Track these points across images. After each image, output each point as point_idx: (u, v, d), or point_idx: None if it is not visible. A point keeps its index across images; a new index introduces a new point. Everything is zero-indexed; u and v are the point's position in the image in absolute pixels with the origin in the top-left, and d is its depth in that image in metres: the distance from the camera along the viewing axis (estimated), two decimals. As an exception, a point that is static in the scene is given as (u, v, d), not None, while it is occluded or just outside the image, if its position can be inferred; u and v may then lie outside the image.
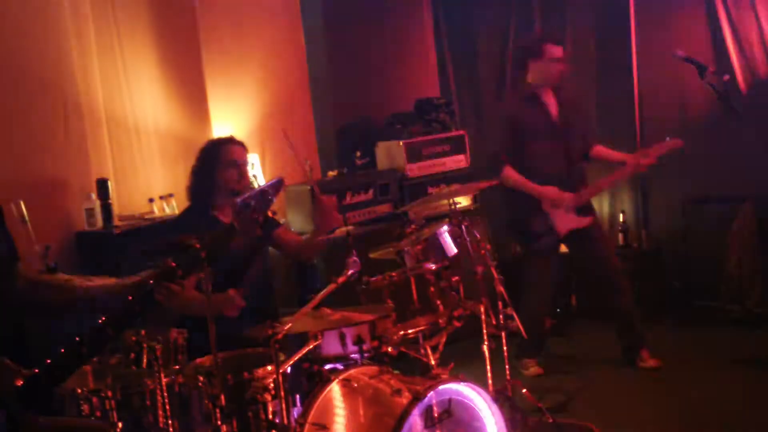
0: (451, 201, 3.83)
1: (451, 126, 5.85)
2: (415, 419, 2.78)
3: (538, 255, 4.63)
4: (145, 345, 2.68)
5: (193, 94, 5.34)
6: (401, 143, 5.50)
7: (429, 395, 2.81)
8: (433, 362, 3.31)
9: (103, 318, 2.21)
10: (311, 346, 2.91)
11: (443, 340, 3.42)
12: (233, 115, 5.54)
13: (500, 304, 3.80)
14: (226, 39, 5.49)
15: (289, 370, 2.92)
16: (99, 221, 4.45)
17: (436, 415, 2.85)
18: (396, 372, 3.05)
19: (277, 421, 2.84)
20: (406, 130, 5.62)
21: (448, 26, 6.48)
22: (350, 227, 3.69)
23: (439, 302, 3.31)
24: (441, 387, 2.87)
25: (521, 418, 3.65)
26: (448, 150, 5.69)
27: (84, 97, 4.63)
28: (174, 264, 2.35)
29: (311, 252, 3.95)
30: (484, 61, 6.42)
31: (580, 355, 4.87)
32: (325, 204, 3.60)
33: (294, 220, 5.25)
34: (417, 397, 2.77)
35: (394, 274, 3.34)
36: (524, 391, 3.89)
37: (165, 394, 2.69)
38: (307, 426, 2.86)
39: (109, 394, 2.79)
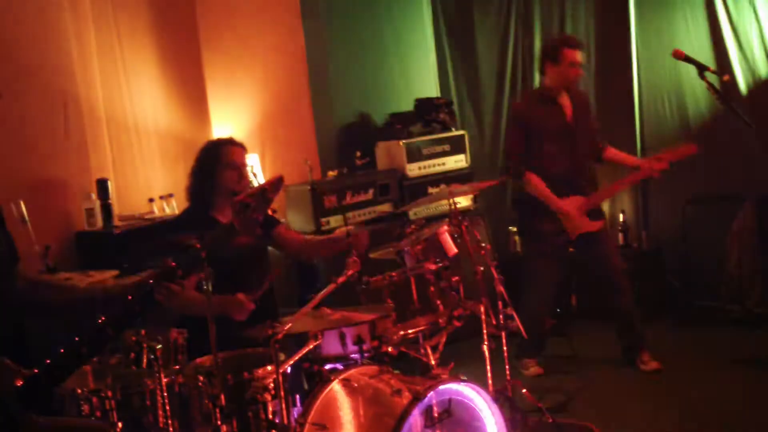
0: (451, 201, 3.82)
1: (451, 126, 5.86)
2: (415, 419, 2.78)
3: (544, 256, 4.62)
4: (145, 345, 2.68)
5: (193, 94, 5.34)
6: (401, 143, 5.51)
7: (429, 395, 2.81)
8: (433, 362, 3.31)
9: (103, 318, 2.21)
10: (311, 346, 2.91)
11: (443, 340, 3.41)
12: (233, 115, 5.54)
13: (500, 304, 3.80)
14: (226, 39, 5.50)
15: (289, 370, 2.92)
16: (99, 221, 4.45)
17: (436, 415, 2.85)
18: (396, 372, 3.05)
19: (277, 421, 2.84)
20: (406, 130, 5.62)
21: (448, 26, 6.48)
22: (350, 227, 3.69)
23: (439, 302, 3.31)
24: (441, 387, 2.87)
25: (521, 418, 3.65)
26: (448, 150, 5.70)
27: (84, 97, 4.63)
28: (174, 264, 2.35)
29: (314, 254, 3.97)
30: (484, 61, 6.42)
31: (580, 355, 4.87)
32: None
33: (294, 220, 5.25)
34: (417, 397, 2.77)
35: (394, 274, 3.34)
36: (524, 391, 3.89)
37: (165, 394, 2.69)
38: (307, 426, 2.86)
39: (109, 394, 2.79)
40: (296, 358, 2.88)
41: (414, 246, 3.65)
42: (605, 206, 5.94)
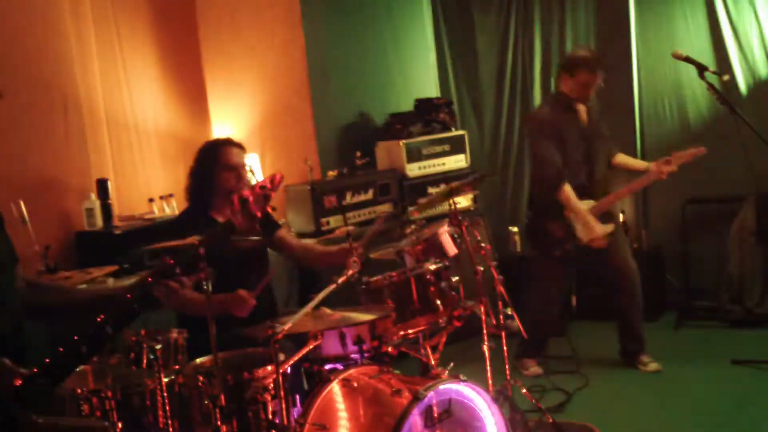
0: (451, 201, 3.82)
1: (451, 126, 5.86)
2: (415, 419, 2.78)
3: (551, 259, 4.61)
4: (145, 345, 2.68)
5: (193, 94, 5.35)
6: (401, 143, 5.51)
7: (429, 395, 2.80)
8: (433, 362, 3.31)
9: (102, 317, 2.21)
10: (311, 346, 2.91)
11: (443, 340, 3.41)
12: (233, 115, 5.54)
13: (500, 304, 3.79)
14: (226, 39, 5.50)
15: (289, 370, 2.92)
16: (99, 221, 4.45)
17: (436, 415, 2.84)
18: (396, 372, 3.05)
19: (277, 421, 2.84)
20: (406, 130, 5.62)
21: (448, 26, 6.48)
22: (350, 227, 3.69)
23: (439, 302, 3.31)
24: (441, 387, 2.87)
25: (521, 418, 3.65)
26: (448, 150, 5.70)
27: (84, 97, 4.63)
28: (172, 261, 2.35)
29: (313, 264, 3.97)
30: (484, 61, 6.42)
31: (580, 355, 4.86)
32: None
33: (294, 220, 5.25)
34: (417, 397, 2.77)
35: (394, 274, 3.34)
36: (524, 391, 3.88)
37: (165, 394, 2.69)
38: (307, 426, 2.86)
39: (109, 394, 2.79)
40: (296, 358, 2.88)
41: (414, 246, 3.65)
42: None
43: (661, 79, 5.72)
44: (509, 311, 3.79)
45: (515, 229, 6.00)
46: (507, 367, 3.79)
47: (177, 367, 2.85)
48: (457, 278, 3.42)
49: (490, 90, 6.42)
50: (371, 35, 5.99)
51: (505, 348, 3.76)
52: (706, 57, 5.39)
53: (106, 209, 4.45)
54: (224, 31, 5.49)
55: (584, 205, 4.51)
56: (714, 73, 4.28)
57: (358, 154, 5.61)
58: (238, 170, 3.66)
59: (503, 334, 3.76)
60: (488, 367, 3.58)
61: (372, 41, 5.98)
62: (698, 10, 5.52)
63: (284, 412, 2.79)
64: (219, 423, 2.77)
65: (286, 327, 2.77)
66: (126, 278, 4.11)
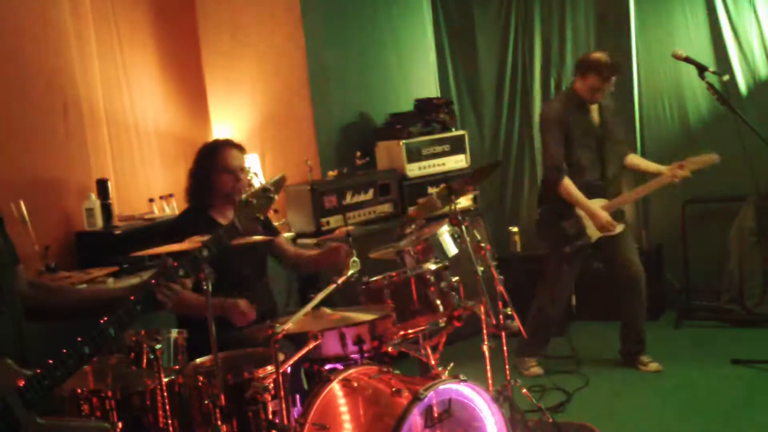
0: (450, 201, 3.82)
1: (451, 126, 5.86)
2: (415, 419, 2.78)
3: (563, 257, 4.60)
4: (145, 345, 2.68)
5: (193, 94, 5.35)
6: (401, 143, 5.51)
7: (429, 395, 2.80)
8: (433, 362, 3.31)
9: (105, 318, 2.22)
10: (311, 346, 2.91)
11: (443, 340, 3.41)
12: (233, 115, 5.54)
13: (500, 304, 3.80)
14: (226, 39, 5.49)
15: (289, 370, 2.92)
16: (99, 221, 4.45)
17: (436, 415, 2.85)
18: (396, 372, 3.05)
19: (277, 421, 2.84)
20: (406, 130, 5.62)
21: (448, 26, 6.48)
22: (350, 227, 3.69)
23: (439, 302, 3.31)
24: (441, 387, 2.87)
25: (521, 418, 3.65)
26: (448, 150, 5.69)
27: (84, 97, 4.63)
28: (176, 263, 2.35)
29: (306, 269, 4.00)
30: (484, 61, 6.42)
31: (580, 355, 4.87)
32: (339, 253, 3.61)
33: (294, 220, 5.25)
34: (417, 397, 2.77)
35: (394, 274, 3.34)
36: (524, 391, 3.88)
37: (165, 394, 2.69)
38: (307, 426, 2.86)
39: (109, 394, 2.79)
40: (296, 358, 2.89)
41: (414, 246, 3.65)
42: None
43: (661, 79, 5.72)
44: (509, 311, 3.79)
45: (515, 229, 6.00)
46: (507, 367, 3.79)
47: (177, 367, 2.85)
48: (457, 278, 3.42)
49: (490, 90, 6.42)
50: (371, 35, 5.98)
51: (505, 348, 3.76)
52: (706, 57, 5.39)
53: (106, 209, 4.45)
54: (224, 31, 5.49)
55: (598, 203, 4.51)
56: (714, 73, 4.28)
57: (358, 154, 5.61)
58: (236, 173, 3.66)
59: (503, 334, 3.76)
60: (488, 367, 3.59)
61: (372, 41, 5.98)
62: (698, 10, 5.52)
63: (284, 412, 2.79)
64: (219, 423, 2.77)
65: (286, 327, 2.78)
66: (127, 278, 4.11)
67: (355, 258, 3.14)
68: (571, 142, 4.51)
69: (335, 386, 2.96)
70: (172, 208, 4.81)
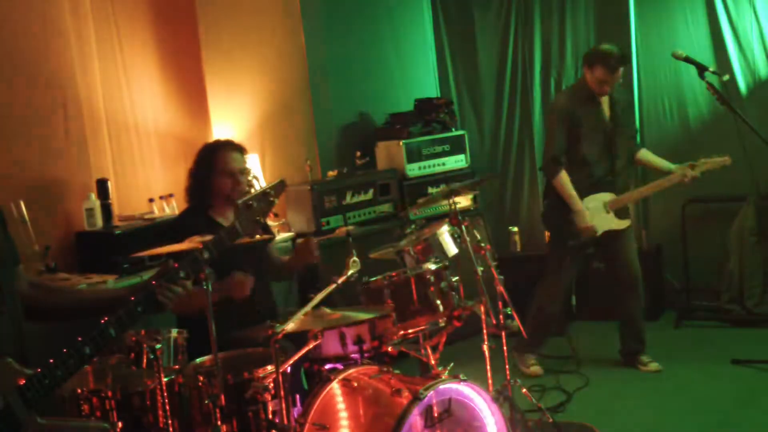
0: (451, 201, 3.82)
1: (451, 126, 5.86)
2: (415, 419, 2.78)
3: (567, 250, 4.59)
4: (145, 345, 2.68)
5: (193, 94, 5.34)
6: (401, 143, 5.51)
7: (429, 395, 2.81)
8: (433, 362, 3.31)
9: (106, 318, 2.22)
10: (311, 346, 2.91)
11: (443, 340, 3.41)
12: (233, 115, 5.54)
13: (500, 304, 3.80)
14: (226, 39, 5.49)
15: (289, 370, 2.92)
16: (99, 221, 4.45)
17: (436, 415, 2.85)
18: (396, 372, 3.05)
19: (277, 421, 2.84)
20: (406, 130, 5.62)
21: (448, 26, 6.48)
22: (350, 227, 3.69)
23: (439, 302, 3.31)
24: (441, 387, 2.87)
25: (521, 418, 3.65)
26: (448, 150, 5.70)
27: (84, 97, 4.63)
28: (176, 265, 2.35)
29: (286, 274, 4.02)
30: (484, 61, 6.42)
31: (580, 355, 4.87)
32: (309, 246, 3.70)
33: (294, 220, 5.25)
34: (417, 397, 2.77)
35: (394, 274, 3.34)
36: (524, 391, 3.89)
37: (165, 394, 2.69)
38: (307, 426, 2.86)
39: (109, 394, 2.79)
40: (296, 358, 2.89)
41: (414, 246, 3.65)
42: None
43: (661, 79, 5.72)
44: (509, 311, 3.79)
45: (515, 229, 6.01)
46: (507, 367, 3.79)
47: (177, 367, 2.85)
48: (457, 278, 3.42)
49: (490, 90, 6.42)
50: (371, 35, 5.99)
51: (505, 348, 3.76)
52: (706, 57, 5.39)
53: (106, 209, 4.45)
54: (224, 31, 5.49)
55: (606, 197, 4.50)
56: (714, 73, 4.28)
57: (358, 154, 5.61)
58: (235, 176, 3.66)
59: (503, 334, 3.76)
60: (488, 367, 3.59)
61: (372, 41, 5.98)
62: (698, 10, 5.52)
63: (284, 412, 2.79)
64: (219, 423, 2.77)
65: (286, 327, 2.78)
66: (126, 278, 4.11)
67: (355, 258, 3.14)
68: (578, 134, 4.50)
69: (335, 386, 2.96)
70: (172, 208, 4.81)
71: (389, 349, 3.20)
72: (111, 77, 4.84)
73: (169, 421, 2.73)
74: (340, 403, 2.94)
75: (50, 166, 4.42)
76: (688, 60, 4.29)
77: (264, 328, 2.79)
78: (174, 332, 2.82)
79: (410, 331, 3.27)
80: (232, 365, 2.98)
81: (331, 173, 5.37)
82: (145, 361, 2.69)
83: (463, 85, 6.50)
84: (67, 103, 4.51)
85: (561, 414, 4.12)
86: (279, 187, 2.61)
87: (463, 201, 5.49)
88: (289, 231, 5.21)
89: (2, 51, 4.19)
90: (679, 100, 5.67)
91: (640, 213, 5.85)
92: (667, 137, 5.69)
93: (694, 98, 5.60)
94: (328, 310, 3.04)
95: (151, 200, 4.79)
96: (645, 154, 4.73)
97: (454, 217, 3.69)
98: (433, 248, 3.62)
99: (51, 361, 2.11)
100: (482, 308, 3.56)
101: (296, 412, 2.95)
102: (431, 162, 5.62)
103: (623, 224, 4.55)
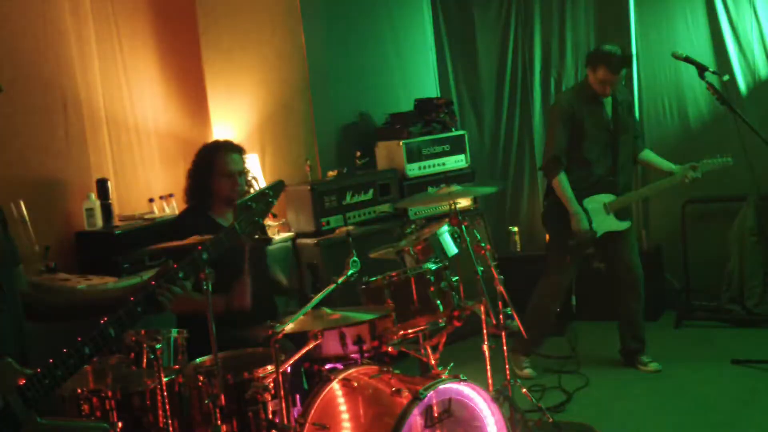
0: (450, 201, 3.82)
1: (451, 126, 5.86)
2: (415, 419, 2.78)
3: (567, 250, 4.58)
4: (145, 345, 2.68)
5: (193, 94, 5.34)
6: (401, 143, 5.51)
7: (429, 395, 2.81)
8: (433, 362, 3.31)
9: (106, 318, 2.22)
10: (311, 346, 2.91)
11: (443, 340, 3.41)
12: (233, 115, 5.54)
13: (500, 304, 3.80)
14: (226, 39, 5.49)
15: (289, 370, 2.92)
16: (99, 221, 4.45)
17: (436, 414, 2.85)
18: (396, 372, 3.05)
19: (277, 421, 2.84)
20: (406, 130, 5.63)
21: (448, 26, 6.48)
22: (350, 227, 3.69)
23: (439, 302, 3.31)
24: (441, 387, 2.87)
25: (521, 418, 3.65)
26: (448, 150, 5.70)
27: (84, 98, 4.63)
28: (176, 265, 2.35)
29: None
30: (484, 61, 6.42)
31: (580, 355, 4.87)
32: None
33: (294, 221, 5.25)
34: (417, 397, 2.77)
35: (394, 274, 3.34)
36: (524, 391, 3.89)
37: (165, 394, 2.69)
38: (307, 426, 2.86)
39: (109, 394, 2.79)
40: (296, 358, 2.89)
41: (414, 246, 3.64)
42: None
43: (661, 79, 5.73)
44: (509, 311, 3.78)
45: (515, 229, 6.01)
46: (507, 367, 3.79)
47: (177, 367, 2.85)
48: (457, 278, 3.42)
49: (490, 90, 6.42)
50: (371, 35, 5.99)
51: (505, 348, 3.76)
52: (706, 57, 5.39)
53: (106, 209, 4.45)
54: (224, 31, 5.48)
55: (606, 199, 4.50)
56: (714, 73, 4.28)
57: (358, 154, 5.61)
58: (234, 177, 3.66)
59: (503, 334, 3.76)
60: (488, 367, 3.58)
61: (372, 41, 5.98)
62: (698, 10, 5.53)
63: (284, 412, 2.79)
64: (219, 423, 2.77)
65: (286, 327, 2.78)
66: (126, 278, 4.11)
67: (355, 258, 3.14)
68: (580, 134, 4.49)
69: (335, 386, 2.96)
70: (172, 208, 4.81)
71: (389, 349, 3.20)
72: (111, 77, 4.84)
73: (169, 421, 2.73)
74: (341, 404, 2.94)
75: (50, 166, 4.42)
76: (688, 60, 4.29)
77: (264, 328, 2.79)
78: (174, 332, 2.81)
79: (410, 331, 3.27)
80: (232, 365, 2.98)
81: (331, 173, 5.37)
82: (145, 361, 2.69)
83: (463, 85, 6.50)
84: (67, 103, 4.51)
85: (561, 414, 4.12)
86: (277, 188, 2.61)
87: (463, 201, 5.49)
88: (289, 231, 5.21)
89: (2, 51, 4.19)
90: (679, 100, 5.68)
91: (640, 213, 5.85)
92: (667, 137, 5.70)
93: (694, 98, 5.60)
94: (328, 310, 3.04)
95: (151, 200, 4.79)
96: (647, 155, 4.73)
97: (454, 217, 3.69)
98: (433, 248, 3.62)
99: (51, 361, 2.11)
100: (482, 308, 3.56)
101: (296, 412, 2.95)
102: (431, 162, 5.63)
103: (623, 225, 4.54)
